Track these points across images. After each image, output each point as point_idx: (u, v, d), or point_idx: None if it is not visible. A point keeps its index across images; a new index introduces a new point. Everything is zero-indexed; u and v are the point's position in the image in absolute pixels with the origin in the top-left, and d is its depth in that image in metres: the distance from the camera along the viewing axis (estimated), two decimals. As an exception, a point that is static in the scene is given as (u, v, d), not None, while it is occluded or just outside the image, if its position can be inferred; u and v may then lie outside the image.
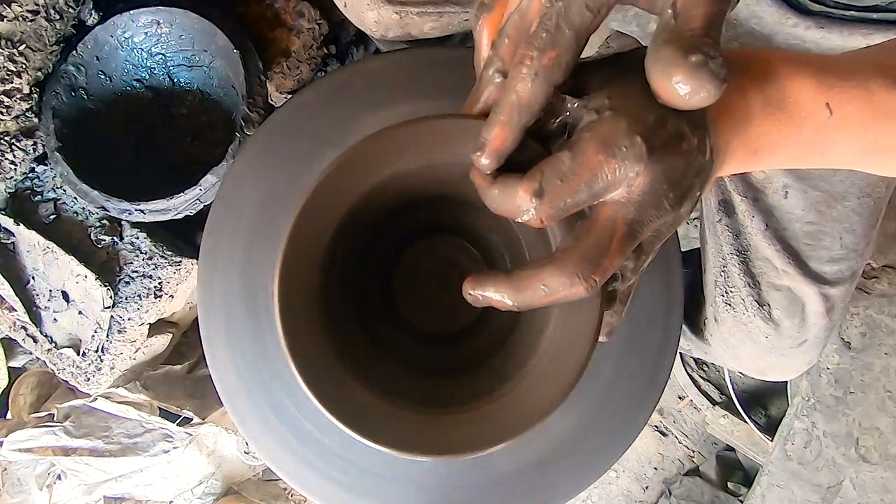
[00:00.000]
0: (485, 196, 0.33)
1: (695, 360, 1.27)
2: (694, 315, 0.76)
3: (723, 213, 0.64)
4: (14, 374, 1.10)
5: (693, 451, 1.27)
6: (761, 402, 1.21)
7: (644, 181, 0.30)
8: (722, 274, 0.65)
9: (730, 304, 0.66)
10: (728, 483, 1.20)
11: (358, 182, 0.39)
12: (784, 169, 0.58)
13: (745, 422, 1.14)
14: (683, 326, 0.77)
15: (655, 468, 1.27)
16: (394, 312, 0.57)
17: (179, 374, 1.06)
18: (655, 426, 1.28)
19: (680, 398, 1.29)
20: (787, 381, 1.05)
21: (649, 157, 0.29)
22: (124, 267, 0.81)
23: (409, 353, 0.54)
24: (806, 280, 0.61)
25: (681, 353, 1.22)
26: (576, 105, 0.32)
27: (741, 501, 1.14)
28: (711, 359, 0.82)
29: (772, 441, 0.98)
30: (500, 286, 0.32)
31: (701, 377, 1.26)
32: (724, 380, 1.20)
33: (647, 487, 1.27)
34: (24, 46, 0.70)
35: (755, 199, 0.60)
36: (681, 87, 0.27)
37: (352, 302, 0.50)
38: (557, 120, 0.33)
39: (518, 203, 0.30)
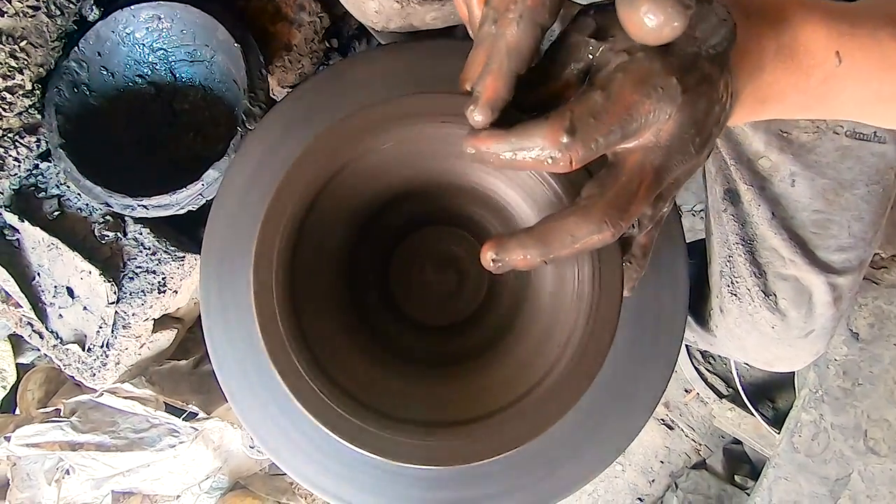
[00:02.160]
0: (497, 145, 0.30)
1: (701, 352, 1.26)
2: (699, 306, 0.75)
3: (728, 202, 0.63)
4: (22, 370, 1.11)
5: (700, 445, 1.27)
6: (768, 395, 1.20)
7: (673, 125, 0.30)
8: (728, 264, 0.65)
9: (735, 295, 0.65)
10: (735, 476, 1.20)
11: (329, 164, 0.39)
12: (792, 156, 0.57)
13: (752, 415, 1.13)
14: (689, 318, 0.76)
15: (662, 461, 1.27)
16: (393, 305, 0.57)
17: (185, 370, 1.06)
18: (662, 419, 1.28)
19: (686, 391, 1.28)
20: (794, 373, 1.04)
21: (682, 99, 0.29)
22: (128, 262, 0.82)
23: (410, 348, 0.53)
24: (813, 269, 0.60)
25: (687, 346, 1.22)
26: (601, 49, 0.31)
27: (748, 494, 1.14)
28: (717, 351, 0.82)
29: (779, 434, 0.97)
30: (524, 242, 0.30)
31: (707, 370, 1.25)
32: (730, 373, 1.20)
33: (653, 481, 1.27)
34: (25, 42, 0.70)
35: (761, 188, 0.60)
36: (649, 18, 0.26)
37: (350, 297, 0.49)
38: (578, 67, 0.31)
39: (545, 142, 0.28)
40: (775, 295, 0.62)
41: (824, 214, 0.59)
